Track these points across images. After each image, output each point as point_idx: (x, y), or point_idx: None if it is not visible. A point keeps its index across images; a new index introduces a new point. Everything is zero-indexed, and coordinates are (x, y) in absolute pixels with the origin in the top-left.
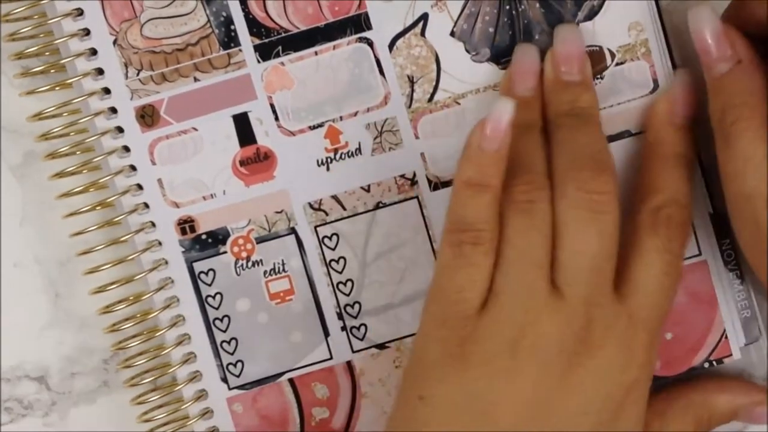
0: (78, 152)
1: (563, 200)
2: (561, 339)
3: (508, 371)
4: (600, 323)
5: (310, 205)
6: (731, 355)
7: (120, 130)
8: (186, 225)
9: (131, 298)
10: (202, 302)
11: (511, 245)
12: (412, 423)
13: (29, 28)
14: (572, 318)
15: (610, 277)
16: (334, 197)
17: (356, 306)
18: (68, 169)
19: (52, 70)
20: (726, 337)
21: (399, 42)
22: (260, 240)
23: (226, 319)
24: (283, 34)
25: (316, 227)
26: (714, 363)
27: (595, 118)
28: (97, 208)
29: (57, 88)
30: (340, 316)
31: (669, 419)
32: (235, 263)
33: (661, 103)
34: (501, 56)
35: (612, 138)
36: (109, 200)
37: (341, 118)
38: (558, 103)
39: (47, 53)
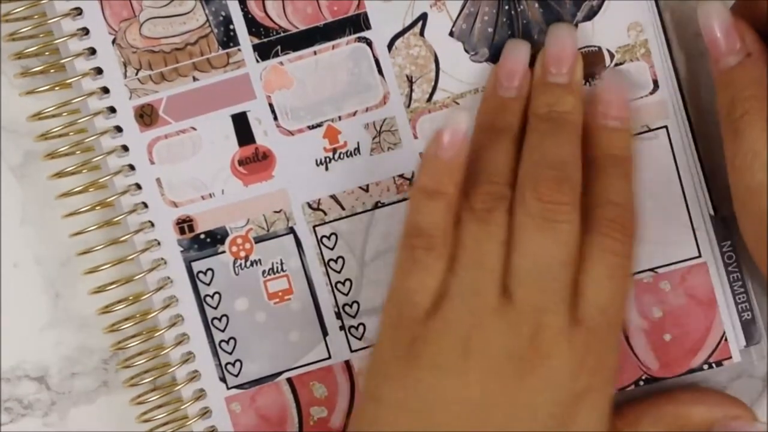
0: (78, 152)
1: (521, 207)
2: (509, 344)
3: (456, 373)
4: (550, 329)
5: (309, 205)
6: (731, 357)
7: (119, 129)
8: (185, 224)
9: (131, 298)
10: (200, 302)
11: (465, 251)
12: (363, 422)
13: (29, 27)
14: (520, 323)
15: (564, 285)
16: (333, 197)
17: (355, 305)
18: (68, 169)
19: (51, 70)
20: (726, 339)
21: (398, 42)
22: (259, 240)
23: (224, 318)
24: (282, 34)
25: (314, 227)
26: (713, 365)
27: (572, 124)
28: (97, 207)
29: (57, 88)
30: (338, 316)
31: (641, 428)
32: (234, 263)
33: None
34: (500, 56)
35: None
36: (108, 200)
37: (340, 117)
38: (537, 105)
39: (47, 53)
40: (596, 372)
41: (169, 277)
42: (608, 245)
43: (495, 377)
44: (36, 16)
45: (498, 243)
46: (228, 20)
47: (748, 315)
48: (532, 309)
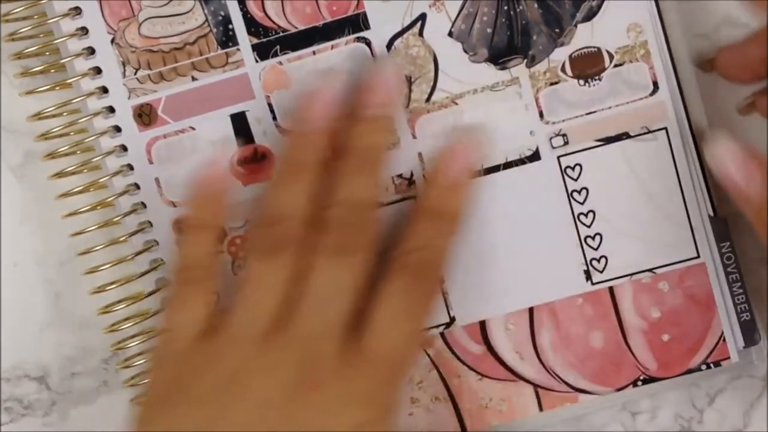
0: (77, 152)
1: (315, 238)
2: (279, 373)
3: (221, 407)
4: (325, 358)
5: None
6: (729, 357)
7: (118, 129)
8: (183, 225)
9: (131, 297)
10: None
11: (245, 288)
12: None
13: (29, 27)
14: (294, 351)
15: (346, 316)
16: None
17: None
18: (68, 169)
19: (51, 70)
20: (724, 340)
21: (397, 42)
22: None
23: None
24: (281, 34)
25: None
26: (712, 365)
27: (379, 160)
28: (97, 207)
29: (57, 88)
30: None
31: None
32: (233, 263)
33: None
34: (499, 57)
35: (610, 140)
36: (108, 200)
37: None
38: (349, 137)
39: (47, 53)
40: (372, 405)
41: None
42: (402, 288)
43: (264, 408)
44: (36, 16)
45: (279, 282)
46: (227, 20)
47: (746, 316)
48: (307, 337)
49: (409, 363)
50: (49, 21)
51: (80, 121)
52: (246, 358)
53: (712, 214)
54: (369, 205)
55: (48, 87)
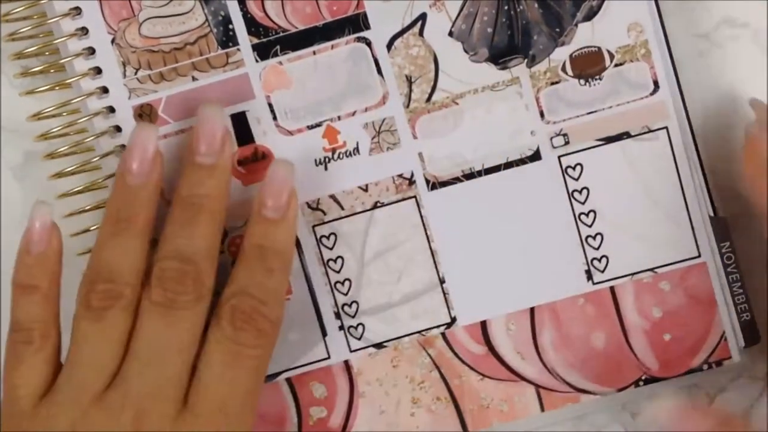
0: (77, 152)
1: (145, 295)
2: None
3: None
4: (154, 415)
5: (308, 205)
6: (731, 357)
7: (118, 129)
8: None
9: None
10: None
11: (74, 347)
12: None
13: (29, 28)
14: (125, 409)
15: (176, 372)
16: (332, 197)
17: (354, 305)
18: (68, 169)
19: (51, 70)
20: (725, 339)
21: (397, 42)
22: None
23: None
24: (282, 34)
25: (314, 227)
26: (713, 365)
27: (211, 211)
28: (97, 207)
29: (56, 88)
30: (337, 316)
31: None
32: (233, 263)
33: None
34: (499, 56)
35: (611, 139)
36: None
37: (339, 117)
38: (180, 186)
39: (47, 53)
40: None
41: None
42: (230, 334)
43: None
44: (36, 16)
45: (109, 341)
46: (227, 20)
47: (747, 316)
48: (138, 395)
49: (243, 410)
50: (49, 21)
51: (80, 121)
52: (81, 420)
53: (712, 214)
54: (200, 256)
55: (48, 87)
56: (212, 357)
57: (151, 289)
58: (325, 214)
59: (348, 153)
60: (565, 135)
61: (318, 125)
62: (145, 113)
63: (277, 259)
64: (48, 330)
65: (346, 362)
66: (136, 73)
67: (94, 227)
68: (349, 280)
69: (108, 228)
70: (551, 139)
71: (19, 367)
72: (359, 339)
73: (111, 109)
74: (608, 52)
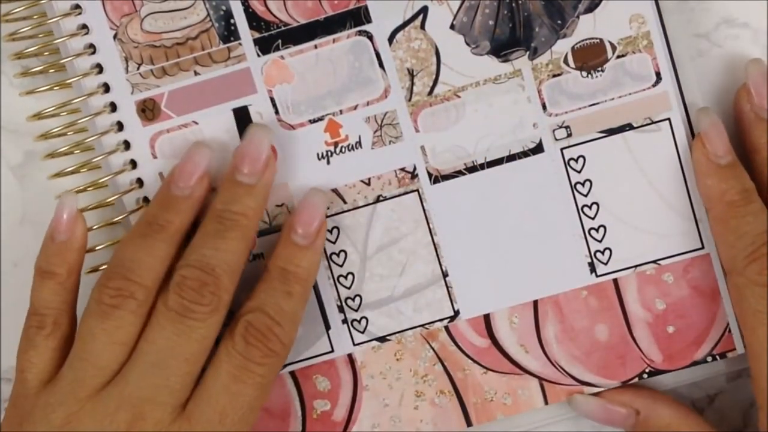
0: (78, 151)
1: (161, 299)
2: (104, 430)
3: None
4: (150, 420)
5: None
6: (735, 349)
7: (120, 126)
8: None
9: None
10: None
11: (79, 339)
12: None
13: (29, 27)
14: (120, 411)
15: (179, 379)
16: (335, 190)
17: (357, 299)
18: (68, 169)
19: (51, 70)
20: (730, 331)
21: (399, 35)
22: (261, 233)
23: (228, 312)
24: (283, 28)
25: None
26: (717, 357)
27: (243, 228)
28: (97, 207)
29: (56, 88)
30: (341, 309)
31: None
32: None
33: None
34: (501, 49)
35: (613, 131)
36: (109, 200)
37: (341, 111)
38: (216, 200)
39: (47, 53)
40: None
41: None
42: (241, 348)
43: None
44: (36, 16)
45: (112, 342)
46: (229, 14)
47: None
48: (136, 397)
49: (241, 425)
50: (49, 21)
51: (81, 120)
52: (76, 414)
53: None
54: (222, 270)
55: (48, 87)
56: (220, 368)
57: (168, 294)
58: (327, 208)
59: (350, 147)
60: (567, 127)
61: (320, 119)
62: (148, 108)
63: (298, 284)
64: (60, 318)
65: (350, 356)
66: (138, 69)
67: (97, 226)
68: (352, 273)
69: (139, 229)
70: (554, 131)
71: (29, 351)
72: (362, 332)
73: (113, 106)
74: (610, 43)
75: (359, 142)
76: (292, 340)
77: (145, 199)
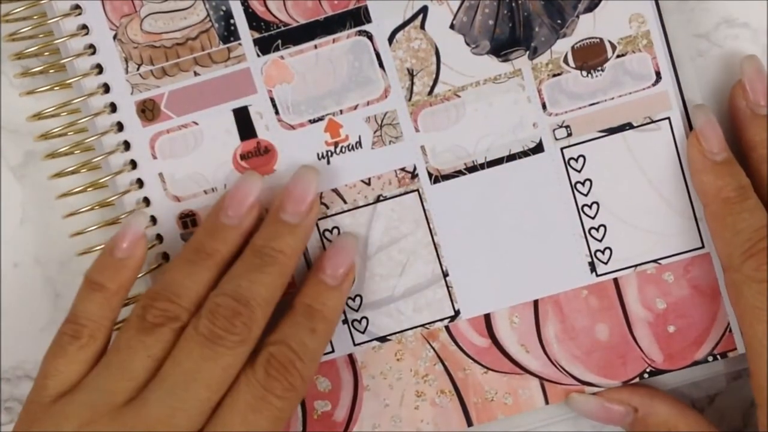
0: (78, 151)
1: (193, 323)
2: None
3: None
4: None
5: None
6: (735, 348)
7: (120, 126)
8: (187, 219)
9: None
10: None
11: (111, 352)
12: None
13: (29, 28)
14: (136, 428)
15: (200, 405)
16: (335, 190)
17: (357, 299)
18: (68, 169)
19: (51, 70)
20: (730, 331)
21: (398, 35)
22: None
23: None
24: (283, 28)
25: (317, 220)
26: (718, 356)
27: (281, 265)
28: (97, 207)
29: (56, 88)
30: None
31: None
32: None
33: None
34: (501, 49)
35: (613, 131)
36: (109, 200)
37: (341, 111)
38: (257, 236)
39: (47, 53)
40: None
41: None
42: (262, 379)
43: None
44: (36, 16)
45: (147, 355)
46: (228, 15)
47: None
48: (153, 418)
49: None
50: (49, 21)
51: (81, 121)
52: (91, 422)
53: None
54: (256, 303)
55: (48, 87)
56: (239, 397)
57: (199, 319)
58: (327, 207)
59: (350, 147)
60: (567, 127)
61: (320, 119)
62: (148, 108)
63: (323, 322)
64: (98, 332)
65: (350, 356)
66: (138, 69)
67: (94, 227)
68: None
69: (186, 254)
70: (554, 131)
71: (57, 358)
72: (363, 332)
73: (113, 106)
74: (610, 43)
75: (359, 142)
76: (311, 377)
77: (145, 200)
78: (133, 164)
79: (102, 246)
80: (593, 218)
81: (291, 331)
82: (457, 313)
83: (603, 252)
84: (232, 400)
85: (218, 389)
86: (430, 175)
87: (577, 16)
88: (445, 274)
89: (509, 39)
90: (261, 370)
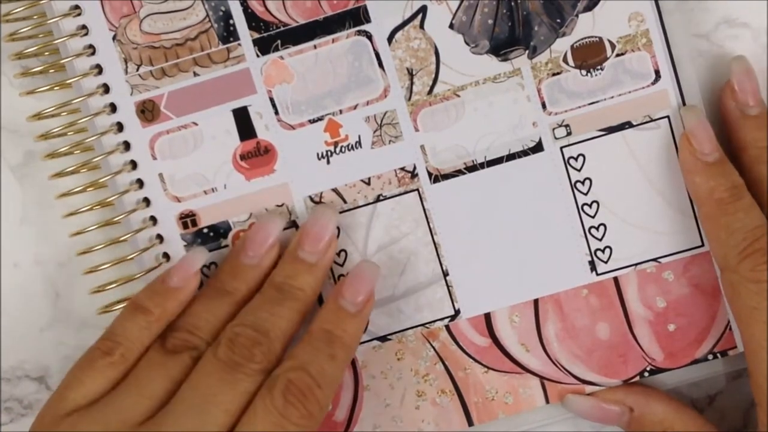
0: (78, 152)
1: (211, 349)
2: None
3: None
4: None
5: (311, 199)
6: (736, 347)
7: (120, 127)
8: (188, 219)
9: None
10: None
11: (131, 374)
12: None
13: (29, 28)
14: None
15: (211, 428)
16: (335, 190)
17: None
18: (68, 169)
19: (51, 70)
20: (730, 329)
21: (398, 35)
22: None
23: None
24: (282, 28)
25: None
26: (718, 355)
27: (299, 301)
28: (97, 207)
29: (56, 88)
30: None
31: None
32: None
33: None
34: (500, 48)
35: (613, 129)
36: (108, 200)
37: (341, 111)
38: (276, 272)
39: (47, 53)
40: None
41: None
42: (280, 405)
43: None
44: (36, 16)
45: (167, 377)
46: (228, 15)
47: None
48: None
49: None
50: (49, 21)
51: (81, 121)
52: None
53: None
54: (275, 335)
55: (48, 87)
56: (256, 422)
57: (218, 346)
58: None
59: (350, 146)
60: (567, 126)
61: (320, 119)
62: (147, 109)
63: (342, 349)
64: (130, 353)
65: None
66: (137, 70)
67: (94, 227)
68: None
69: (208, 291)
70: (553, 130)
71: (84, 370)
72: (363, 332)
73: (113, 107)
74: (609, 42)
75: (359, 142)
76: (329, 405)
77: (145, 200)
78: (133, 164)
79: (101, 246)
80: (593, 217)
81: (310, 357)
82: (457, 312)
83: (603, 251)
84: (249, 425)
85: (235, 413)
86: (429, 174)
87: (577, 15)
88: (446, 274)
89: (508, 38)
90: (279, 396)
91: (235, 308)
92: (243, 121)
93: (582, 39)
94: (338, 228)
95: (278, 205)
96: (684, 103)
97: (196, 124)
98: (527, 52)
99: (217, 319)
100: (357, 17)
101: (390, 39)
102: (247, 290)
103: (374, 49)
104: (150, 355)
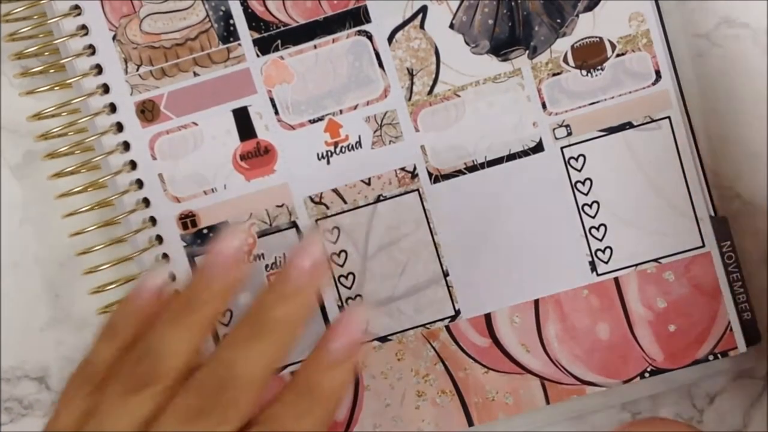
0: (77, 152)
1: (181, 389)
2: None
3: None
4: None
5: (311, 199)
6: (736, 347)
7: (120, 127)
8: (187, 220)
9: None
10: None
11: (95, 412)
12: None
13: (29, 28)
14: None
15: None
16: (335, 191)
17: (358, 299)
18: (68, 169)
19: (51, 70)
20: (731, 330)
21: (398, 35)
22: (261, 234)
23: (228, 313)
24: (282, 28)
25: (317, 221)
26: (719, 355)
27: (278, 332)
28: (96, 207)
29: (56, 88)
30: (341, 309)
31: None
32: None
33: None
34: (501, 48)
35: (613, 130)
36: (108, 200)
37: (341, 111)
38: (253, 302)
39: (47, 53)
40: None
41: (172, 273)
42: None
43: None
44: (36, 16)
45: (126, 421)
46: (228, 15)
47: (747, 315)
48: None
49: None
50: (49, 21)
51: (80, 121)
52: None
53: (713, 214)
54: (248, 378)
55: (48, 87)
56: None
57: (184, 390)
58: (328, 208)
59: (350, 147)
60: (567, 126)
61: (320, 119)
62: (147, 109)
63: (321, 403)
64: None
65: None
66: (137, 70)
67: (94, 227)
68: (352, 273)
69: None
70: (554, 130)
71: (63, 399)
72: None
73: (113, 107)
74: (610, 42)
75: (359, 142)
76: None
77: (145, 200)
78: (133, 165)
79: (101, 246)
80: (593, 217)
81: (278, 411)
82: (457, 312)
83: (603, 251)
84: None
85: None
86: (430, 174)
87: (577, 15)
88: (446, 274)
89: (509, 38)
90: None
91: (202, 332)
92: (243, 121)
93: (582, 39)
94: (338, 230)
95: (278, 206)
96: (684, 104)
97: (196, 124)
98: (527, 52)
99: (182, 344)
100: (357, 17)
101: (390, 39)
102: (212, 310)
103: (374, 49)
104: (109, 398)
